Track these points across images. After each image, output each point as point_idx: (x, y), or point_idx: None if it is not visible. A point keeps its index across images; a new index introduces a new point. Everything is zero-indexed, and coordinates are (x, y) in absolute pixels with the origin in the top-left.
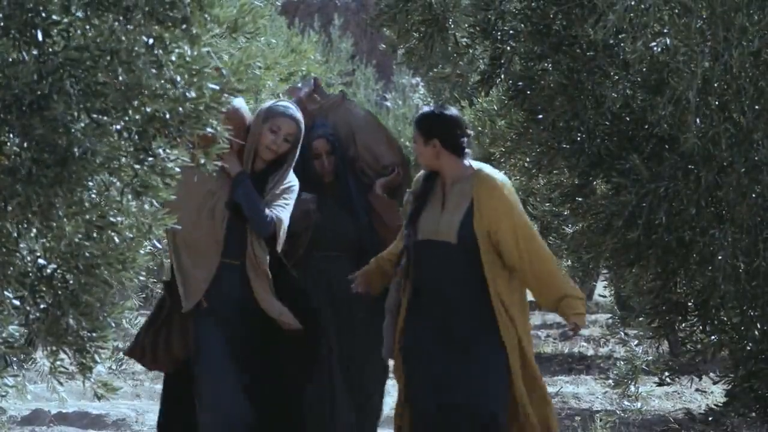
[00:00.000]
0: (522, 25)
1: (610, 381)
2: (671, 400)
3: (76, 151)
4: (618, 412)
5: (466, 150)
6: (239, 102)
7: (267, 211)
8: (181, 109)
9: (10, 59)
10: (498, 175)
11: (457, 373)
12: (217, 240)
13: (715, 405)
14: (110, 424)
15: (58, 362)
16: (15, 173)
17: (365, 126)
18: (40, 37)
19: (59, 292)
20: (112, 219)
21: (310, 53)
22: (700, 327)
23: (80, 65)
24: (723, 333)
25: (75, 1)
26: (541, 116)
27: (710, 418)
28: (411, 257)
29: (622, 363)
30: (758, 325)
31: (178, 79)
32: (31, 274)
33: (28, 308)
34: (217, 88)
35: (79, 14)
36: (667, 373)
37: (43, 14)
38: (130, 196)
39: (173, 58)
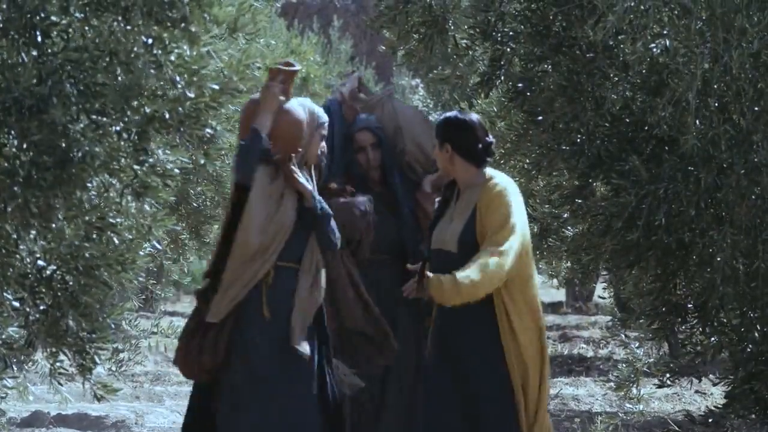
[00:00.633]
0: (522, 27)
1: (611, 383)
2: (671, 401)
3: (75, 153)
4: (619, 414)
5: (485, 158)
6: (301, 113)
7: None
8: (180, 109)
9: (10, 61)
10: (506, 182)
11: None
12: (278, 246)
13: (715, 407)
14: (110, 425)
15: (58, 364)
16: (14, 175)
17: (414, 121)
18: (39, 38)
19: (59, 294)
20: (111, 220)
21: (310, 54)
22: (700, 328)
23: (79, 66)
24: (723, 334)
25: (74, 2)
26: (540, 118)
27: (710, 420)
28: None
29: (623, 365)
30: (758, 327)
31: (178, 78)
32: (30, 276)
33: (27, 309)
34: (217, 87)
35: (78, 15)
36: (667, 375)
37: (42, 15)
38: (129, 198)
39: (172, 58)
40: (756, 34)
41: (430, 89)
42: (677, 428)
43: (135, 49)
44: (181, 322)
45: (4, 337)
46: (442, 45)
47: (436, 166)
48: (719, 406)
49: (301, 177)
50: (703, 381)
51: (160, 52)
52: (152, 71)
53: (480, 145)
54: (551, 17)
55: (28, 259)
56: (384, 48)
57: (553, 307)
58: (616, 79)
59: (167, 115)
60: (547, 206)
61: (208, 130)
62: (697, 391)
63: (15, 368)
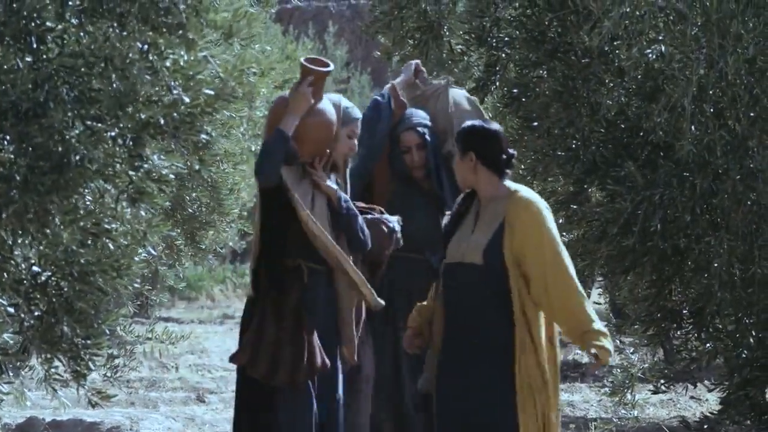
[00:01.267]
0: (517, 32)
1: (606, 389)
2: (666, 407)
3: (72, 157)
4: (614, 420)
5: (506, 170)
6: (332, 115)
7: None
8: (175, 114)
9: (5, 67)
10: (535, 197)
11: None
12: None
13: (710, 412)
14: (105, 431)
15: (53, 369)
16: (11, 180)
17: (471, 116)
18: (34, 44)
19: (54, 300)
20: (106, 226)
21: None
22: (696, 334)
23: (75, 72)
24: (718, 340)
25: (69, 7)
26: (536, 123)
27: (705, 426)
28: (441, 282)
29: (618, 371)
30: (753, 333)
31: (173, 84)
32: (25, 282)
33: (22, 315)
34: (212, 93)
35: (74, 21)
36: (662, 381)
37: (38, 21)
38: (124, 203)
39: (168, 64)
40: (751, 40)
41: None
42: None
43: (130, 55)
44: (176, 328)
45: None
46: (437, 50)
47: None
48: (714, 412)
49: (325, 178)
50: (698, 387)
51: (155, 58)
52: (148, 77)
53: (504, 156)
54: (546, 23)
55: (23, 265)
56: (379, 54)
57: None
58: (612, 84)
59: (162, 121)
60: None
61: (204, 136)
62: (692, 397)
63: (11, 374)
